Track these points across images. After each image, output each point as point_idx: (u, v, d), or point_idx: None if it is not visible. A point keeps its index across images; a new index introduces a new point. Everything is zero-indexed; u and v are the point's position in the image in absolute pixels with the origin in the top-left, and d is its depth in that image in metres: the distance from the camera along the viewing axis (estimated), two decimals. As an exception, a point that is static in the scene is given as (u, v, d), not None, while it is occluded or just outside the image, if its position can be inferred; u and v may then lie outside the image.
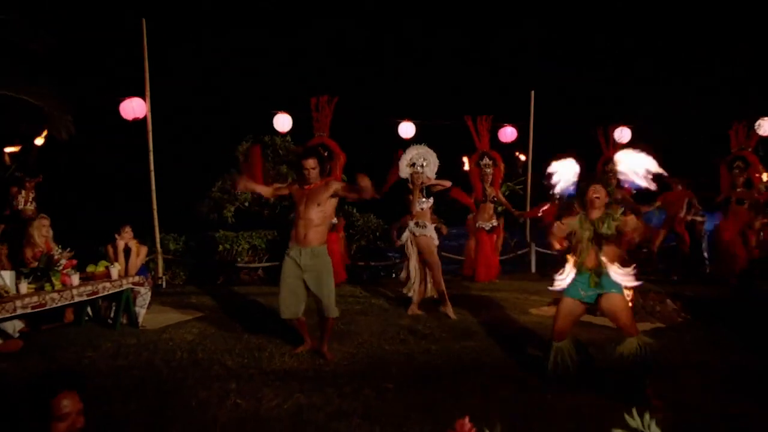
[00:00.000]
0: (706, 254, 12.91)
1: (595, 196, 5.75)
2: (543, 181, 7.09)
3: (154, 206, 10.69)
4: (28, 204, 9.79)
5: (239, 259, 11.72)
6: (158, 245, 10.79)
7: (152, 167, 10.59)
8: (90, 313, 8.14)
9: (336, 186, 6.76)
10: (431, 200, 8.72)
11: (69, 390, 2.82)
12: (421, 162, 8.73)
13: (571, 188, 6.16)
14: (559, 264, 12.09)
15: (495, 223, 11.60)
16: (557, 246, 6.10)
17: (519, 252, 13.79)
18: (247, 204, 12.93)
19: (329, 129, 10.43)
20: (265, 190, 7.26)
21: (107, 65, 13.50)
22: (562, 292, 6.09)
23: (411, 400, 5.59)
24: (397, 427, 5.00)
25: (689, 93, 17.67)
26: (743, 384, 6.04)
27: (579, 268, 5.88)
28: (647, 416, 2.90)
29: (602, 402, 5.51)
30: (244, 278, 11.74)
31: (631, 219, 5.76)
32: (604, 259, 5.72)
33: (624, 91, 18.38)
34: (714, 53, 18.12)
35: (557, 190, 6.26)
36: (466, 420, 2.55)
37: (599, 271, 5.75)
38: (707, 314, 8.71)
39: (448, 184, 8.92)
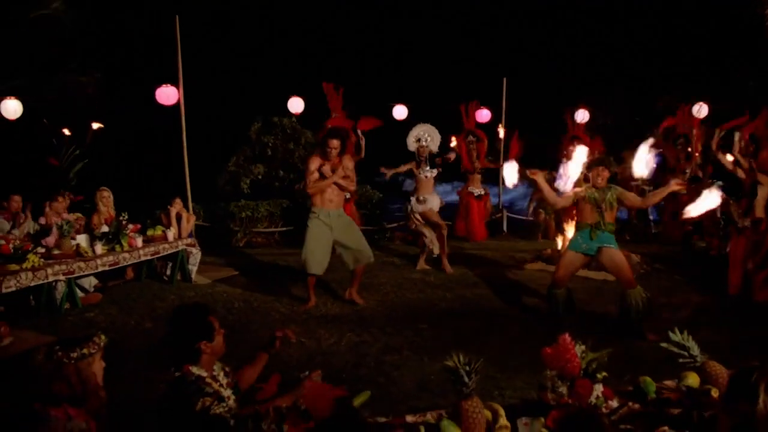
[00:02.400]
0: (651, 218, 13.50)
1: (598, 175, 6.23)
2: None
3: (187, 179, 10.78)
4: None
5: (258, 225, 11.95)
6: (191, 213, 10.94)
7: (185, 145, 10.70)
8: (146, 272, 8.36)
9: (347, 164, 7.00)
10: (435, 171, 9.06)
11: (211, 312, 3.16)
12: (425, 138, 9.07)
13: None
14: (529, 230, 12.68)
15: (482, 191, 12.03)
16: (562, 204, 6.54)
17: (494, 217, 14.22)
18: (260, 177, 13.13)
19: (341, 111, 10.65)
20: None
21: (144, 56, 13.42)
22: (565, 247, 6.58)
23: (445, 336, 6.02)
24: (440, 357, 5.38)
25: (641, 79, 18.22)
26: (707, 318, 6.59)
27: (580, 225, 6.33)
28: (686, 333, 3.37)
29: (601, 338, 5.99)
30: (261, 241, 11.98)
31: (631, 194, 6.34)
32: (606, 218, 6.17)
33: (584, 77, 18.81)
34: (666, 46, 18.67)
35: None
36: (567, 335, 2.95)
37: (599, 227, 6.19)
38: (663, 266, 9.26)
39: (452, 156, 9.30)
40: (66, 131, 10.27)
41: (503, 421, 2.79)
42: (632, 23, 18.91)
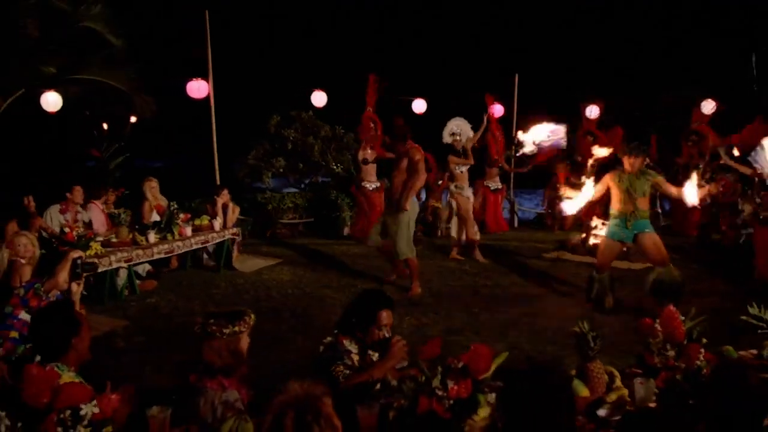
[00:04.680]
0: (659, 210, 13.95)
1: (630, 162, 6.59)
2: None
3: (217, 171, 11.09)
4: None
5: (283, 216, 12.23)
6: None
7: (215, 139, 10.99)
8: (190, 260, 8.67)
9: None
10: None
11: (388, 307, 3.47)
12: (458, 131, 9.46)
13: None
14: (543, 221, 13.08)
15: (499, 185, 12.41)
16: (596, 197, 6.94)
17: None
18: (282, 170, 13.41)
19: (374, 104, 11.07)
20: None
21: (176, 51, 13.66)
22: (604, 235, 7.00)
23: (499, 318, 6.43)
24: (503, 337, 5.80)
25: (641, 75, 18.71)
26: (734, 303, 7.00)
27: (614, 214, 6.70)
28: (762, 306, 3.78)
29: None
30: (285, 233, 12.25)
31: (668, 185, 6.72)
32: (639, 205, 6.56)
33: (595, 72, 19.29)
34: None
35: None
36: (672, 306, 3.35)
37: (634, 215, 6.58)
38: (682, 257, 9.69)
39: (474, 141, 9.78)
40: (104, 125, 10.56)
41: (619, 382, 3.18)
42: (634, 20, 19.41)
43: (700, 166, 12.13)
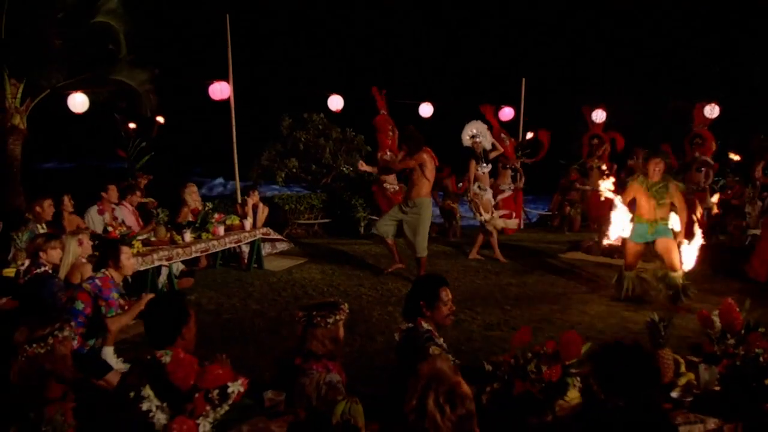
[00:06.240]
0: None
1: (654, 167, 6.92)
2: None
3: (236, 172, 11.34)
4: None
5: (300, 217, 12.48)
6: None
7: (235, 140, 11.22)
8: (220, 259, 8.92)
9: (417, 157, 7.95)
10: (489, 166, 9.78)
11: (446, 285, 3.80)
12: (478, 134, 9.77)
13: None
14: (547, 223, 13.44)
15: (511, 186, 12.71)
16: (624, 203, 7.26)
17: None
18: (295, 170, 13.63)
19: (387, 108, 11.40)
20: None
21: (197, 53, 13.91)
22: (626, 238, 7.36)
23: (530, 315, 6.76)
24: (539, 331, 6.10)
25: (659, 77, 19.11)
26: (755, 300, 7.34)
27: (642, 220, 7.05)
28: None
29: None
30: (301, 233, 12.51)
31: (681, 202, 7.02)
32: (661, 213, 6.92)
33: (602, 75, 19.69)
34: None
35: None
36: (730, 299, 3.68)
37: (656, 221, 6.95)
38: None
39: (501, 149, 10.06)
40: (132, 125, 10.79)
41: (684, 368, 3.51)
42: (638, 24, 19.83)
43: (702, 169, 12.53)
